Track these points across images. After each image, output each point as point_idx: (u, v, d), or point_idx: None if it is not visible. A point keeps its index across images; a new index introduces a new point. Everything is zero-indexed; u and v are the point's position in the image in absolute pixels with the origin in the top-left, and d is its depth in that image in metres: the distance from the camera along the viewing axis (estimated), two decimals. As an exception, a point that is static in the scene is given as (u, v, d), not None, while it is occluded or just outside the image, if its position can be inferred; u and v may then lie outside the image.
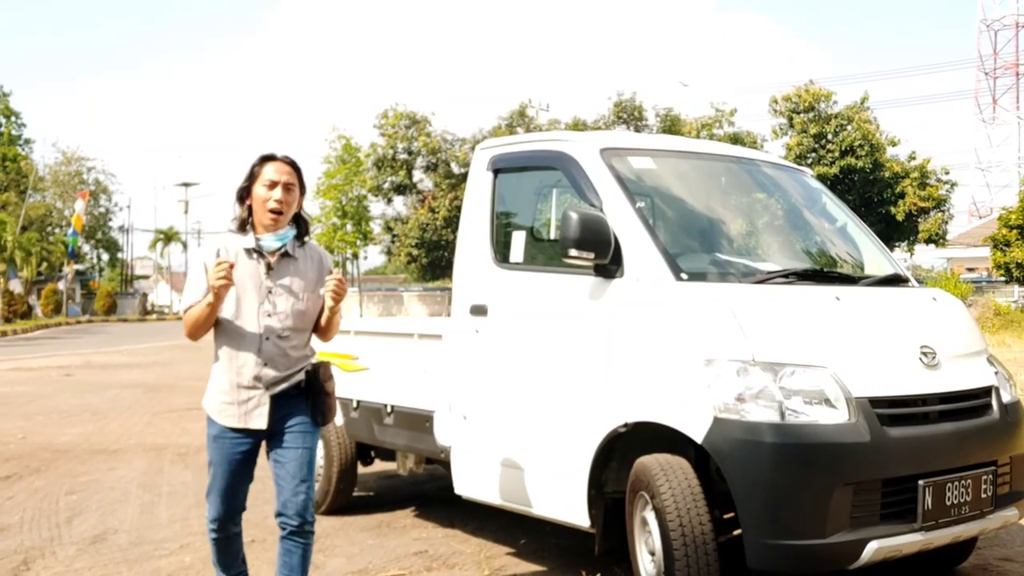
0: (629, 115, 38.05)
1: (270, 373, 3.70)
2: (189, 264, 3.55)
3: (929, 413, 4.02)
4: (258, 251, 3.73)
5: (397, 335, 6.17)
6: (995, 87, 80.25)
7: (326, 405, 3.84)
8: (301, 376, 3.78)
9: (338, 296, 3.68)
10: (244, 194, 3.78)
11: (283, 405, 3.74)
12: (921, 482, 3.80)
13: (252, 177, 3.76)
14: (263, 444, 3.83)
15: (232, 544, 3.93)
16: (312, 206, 31.87)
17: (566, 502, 4.47)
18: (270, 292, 3.71)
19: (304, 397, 3.79)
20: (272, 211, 3.69)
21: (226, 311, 3.68)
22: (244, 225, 3.78)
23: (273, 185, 3.71)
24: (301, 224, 3.88)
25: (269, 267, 3.73)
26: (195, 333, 3.71)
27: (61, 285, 51.96)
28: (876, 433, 3.77)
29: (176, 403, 12.35)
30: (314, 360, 3.88)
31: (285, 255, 3.77)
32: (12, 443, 9.18)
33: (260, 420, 3.70)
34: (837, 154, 36.31)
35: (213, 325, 3.71)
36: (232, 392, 3.71)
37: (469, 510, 5.64)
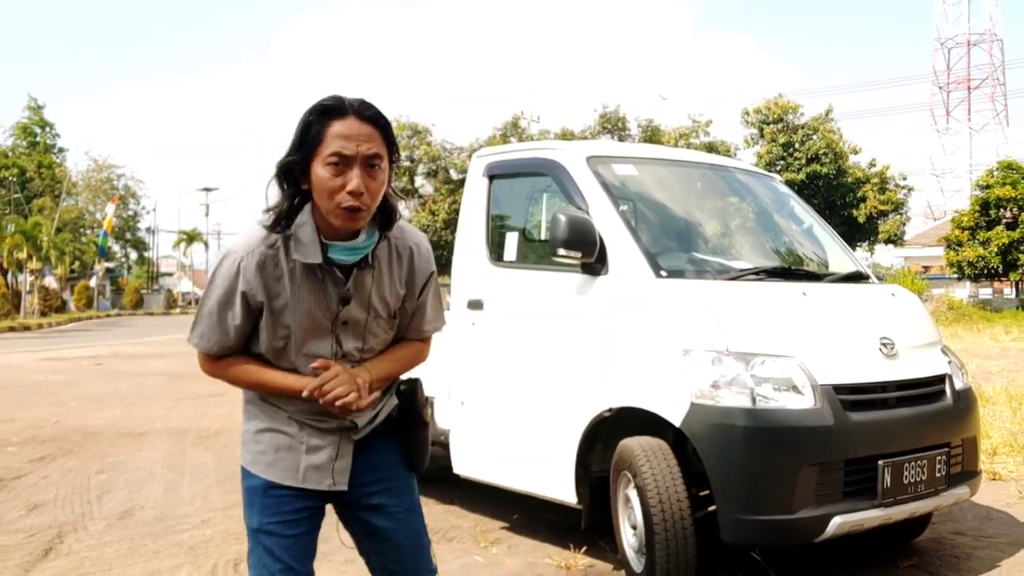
0: (613, 126, 38.04)
1: (363, 418, 2.28)
2: (211, 273, 2.22)
3: (888, 399, 4.02)
4: (327, 269, 2.15)
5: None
6: (948, 100, 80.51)
7: (424, 441, 2.41)
8: (393, 403, 2.37)
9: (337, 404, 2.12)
10: (292, 172, 2.09)
11: (365, 448, 2.31)
12: (880, 462, 3.80)
13: (309, 143, 2.05)
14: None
15: None
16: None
17: (555, 481, 4.46)
18: (344, 324, 2.21)
19: (395, 431, 2.36)
20: (348, 209, 2.04)
21: (275, 340, 2.18)
22: (280, 223, 2.11)
23: (344, 163, 2.03)
24: (387, 214, 2.19)
25: (344, 299, 2.18)
26: (225, 381, 2.27)
27: (92, 282, 51.84)
28: (839, 417, 3.77)
29: (198, 390, 12.31)
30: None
31: (363, 263, 2.19)
32: (47, 427, 9.14)
33: (341, 477, 2.27)
34: (804, 161, 36.37)
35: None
36: (294, 434, 2.24)
37: (466, 488, 5.62)
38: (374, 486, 2.31)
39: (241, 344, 2.22)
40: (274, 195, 2.13)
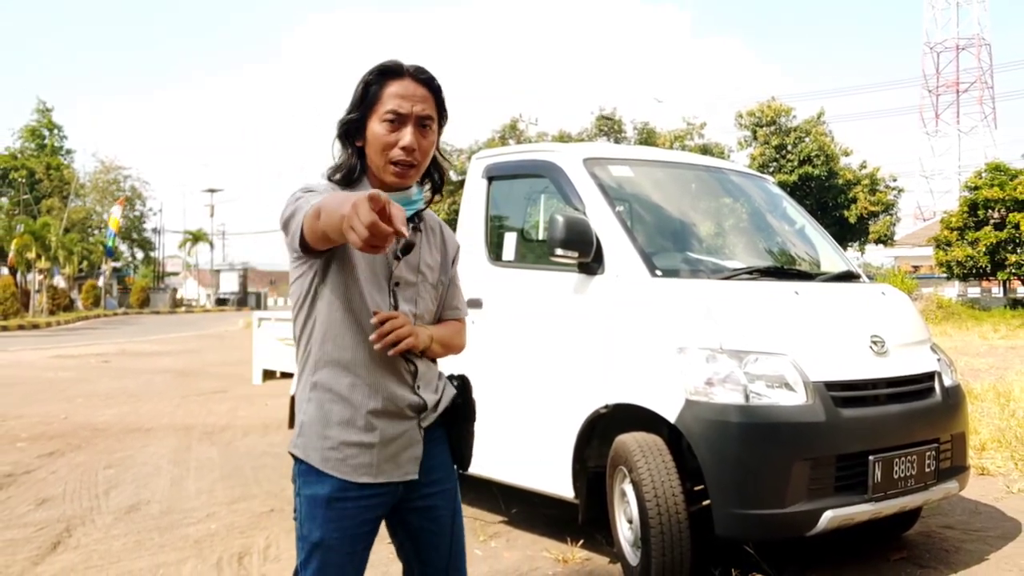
0: (610, 128, 38.05)
1: (431, 396, 2.25)
2: (289, 200, 2.09)
3: (878, 396, 4.02)
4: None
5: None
6: (937, 103, 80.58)
7: (473, 437, 2.43)
8: (451, 392, 2.33)
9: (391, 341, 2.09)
10: (354, 130, 2.16)
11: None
12: (871, 457, 3.80)
13: (368, 102, 2.14)
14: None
15: None
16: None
17: (553, 476, 4.46)
18: (397, 285, 2.19)
19: (444, 425, 2.32)
20: (398, 164, 2.12)
21: (340, 306, 2.13)
22: (351, 177, 2.17)
23: (399, 121, 2.11)
24: (435, 176, 2.28)
25: (406, 248, 2.18)
26: (313, 236, 1.96)
27: (100, 281, 51.83)
28: (831, 414, 3.77)
29: (203, 387, 12.32)
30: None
31: (414, 220, 2.23)
32: (55, 423, 9.14)
33: (412, 466, 2.20)
34: (796, 163, 36.38)
35: (313, 318, 2.16)
36: (363, 425, 2.13)
37: (466, 483, 5.58)
38: (428, 487, 2.24)
39: None
40: (339, 153, 2.21)
